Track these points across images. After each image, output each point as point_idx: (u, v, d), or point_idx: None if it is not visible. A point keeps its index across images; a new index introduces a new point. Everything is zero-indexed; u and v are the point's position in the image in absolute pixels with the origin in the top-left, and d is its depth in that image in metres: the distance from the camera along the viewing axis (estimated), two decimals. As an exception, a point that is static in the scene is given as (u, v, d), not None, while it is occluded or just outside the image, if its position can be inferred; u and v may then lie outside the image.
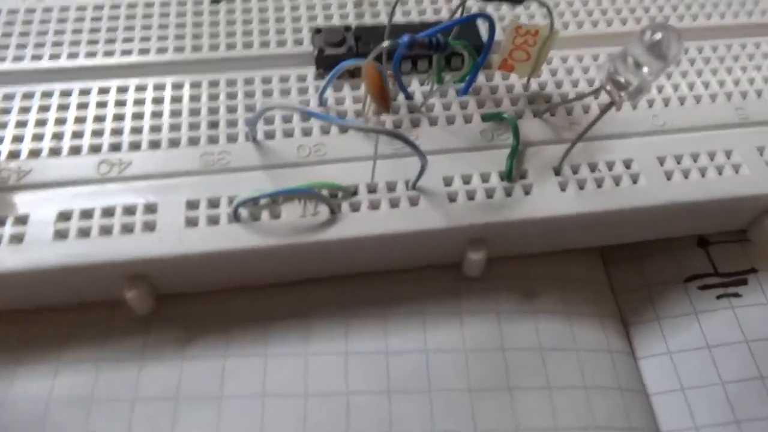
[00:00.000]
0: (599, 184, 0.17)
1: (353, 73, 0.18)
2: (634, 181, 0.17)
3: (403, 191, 0.16)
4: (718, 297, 0.18)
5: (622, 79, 0.13)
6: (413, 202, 0.16)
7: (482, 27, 0.19)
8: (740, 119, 0.19)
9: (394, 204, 0.16)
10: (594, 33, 0.21)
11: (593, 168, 0.17)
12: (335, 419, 0.15)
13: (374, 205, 0.16)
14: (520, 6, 0.17)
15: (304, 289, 0.17)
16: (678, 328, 0.18)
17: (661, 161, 0.18)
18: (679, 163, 0.18)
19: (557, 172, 0.17)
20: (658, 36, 0.12)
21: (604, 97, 0.15)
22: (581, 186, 0.17)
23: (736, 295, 0.18)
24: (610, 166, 0.17)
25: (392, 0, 0.21)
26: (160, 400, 0.15)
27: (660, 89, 0.19)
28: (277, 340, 0.16)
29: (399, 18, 0.20)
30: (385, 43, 0.15)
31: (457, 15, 0.18)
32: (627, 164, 0.17)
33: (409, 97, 0.18)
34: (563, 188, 0.17)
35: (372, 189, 0.16)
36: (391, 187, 0.17)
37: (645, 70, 0.13)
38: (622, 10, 0.21)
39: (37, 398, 0.15)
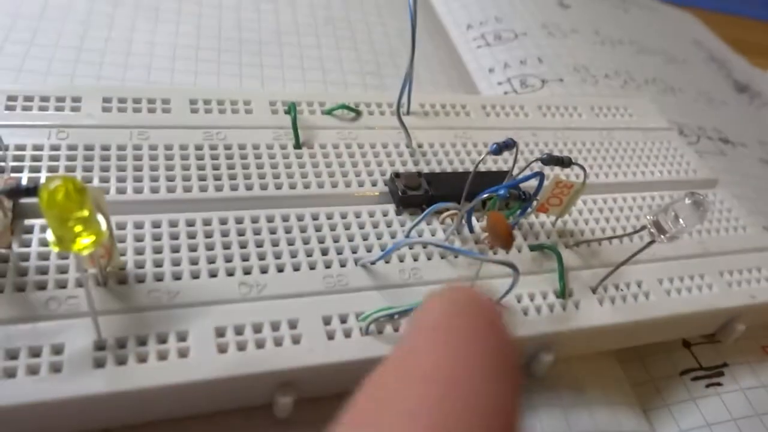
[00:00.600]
0: (624, 300, 0.22)
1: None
2: (647, 298, 0.23)
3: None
4: (707, 386, 0.24)
5: (665, 226, 0.19)
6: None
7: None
8: (703, 251, 0.25)
9: (484, 317, 0.20)
10: (595, 183, 0.27)
11: (617, 287, 0.23)
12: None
13: (469, 319, 0.20)
14: (568, 167, 0.23)
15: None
16: (684, 411, 0.23)
17: (660, 281, 0.23)
18: (671, 283, 0.23)
19: (594, 290, 0.22)
20: (696, 200, 0.18)
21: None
22: (612, 302, 0.22)
23: (719, 384, 0.24)
24: (628, 285, 0.23)
25: (431, 152, 0.26)
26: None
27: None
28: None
29: (446, 166, 0.25)
30: (485, 195, 0.20)
31: (520, 171, 0.23)
32: (639, 284, 0.23)
33: (472, 231, 0.23)
34: (601, 303, 0.22)
35: (465, 305, 0.20)
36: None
37: (681, 221, 0.19)
38: (611, 166, 0.28)
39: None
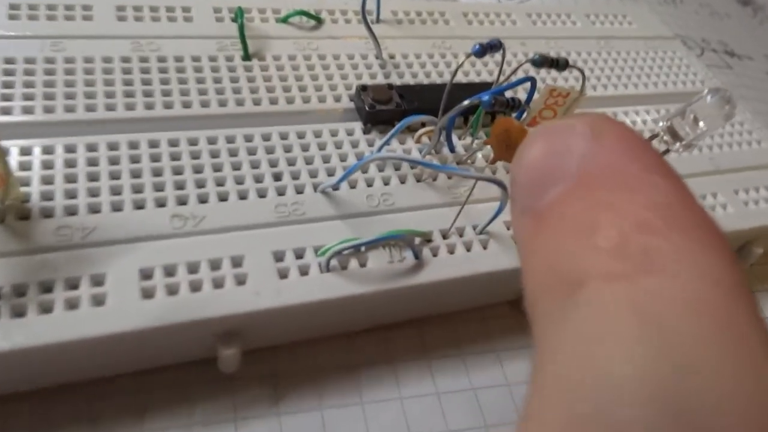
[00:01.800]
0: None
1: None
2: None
3: (473, 235, 0.17)
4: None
5: (681, 132, 0.16)
6: (484, 245, 0.17)
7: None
8: (714, 168, 0.22)
9: (467, 247, 0.17)
10: (593, 96, 0.23)
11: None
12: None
13: (450, 250, 0.17)
14: (564, 71, 0.19)
15: (387, 333, 0.17)
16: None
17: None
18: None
19: (594, 214, 0.19)
20: (722, 96, 0.15)
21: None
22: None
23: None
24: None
25: (405, 63, 0.22)
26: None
27: (649, 143, 0.22)
28: (370, 386, 0.16)
29: (422, 78, 0.22)
30: (467, 102, 0.16)
31: (505, 77, 0.20)
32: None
33: (453, 150, 0.20)
34: (602, 228, 0.19)
35: (444, 235, 0.17)
36: (460, 233, 0.18)
37: (701, 124, 0.15)
38: (610, 77, 0.24)
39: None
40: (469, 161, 0.20)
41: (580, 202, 0.09)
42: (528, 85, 0.19)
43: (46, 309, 0.14)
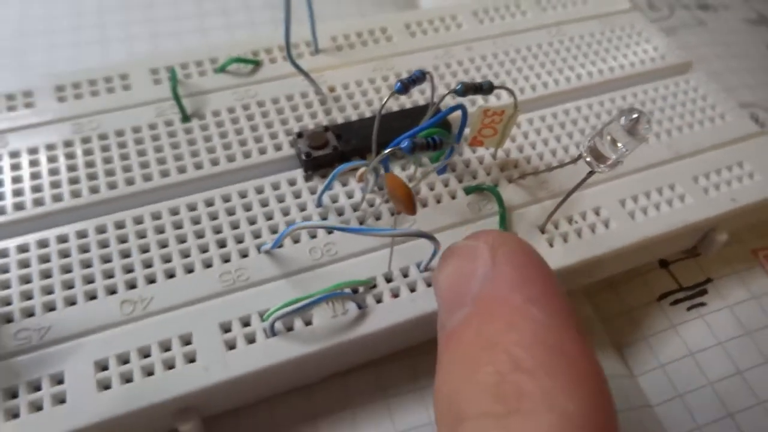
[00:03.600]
0: (579, 234, 0.19)
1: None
2: (606, 226, 0.20)
3: (416, 274, 0.18)
4: (688, 309, 0.21)
5: (603, 153, 0.16)
6: (428, 283, 0.18)
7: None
8: (673, 155, 0.22)
9: (411, 288, 0.18)
10: (544, 94, 0.23)
11: (570, 220, 0.20)
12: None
13: (395, 293, 0.17)
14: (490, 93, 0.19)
15: (343, 380, 0.18)
16: (663, 342, 0.20)
17: (623, 203, 0.20)
18: (636, 202, 0.20)
19: (542, 230, 0.19)
20: (634, 118, 0.15)
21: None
22: (565, 239, 0.19)
23: (702, 304, 0.21)
24: (584, 215, 0.20)
25: (346, 94, 0.22)
26: None
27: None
28: (329, 435, 0.17)
29: (364, 109, 0.22)
30: (388, 150, 0.16)
31: (433, 107, 0.20)
32: (596, 211, 0.20)
33: (396, 183, 0.20)
34: (551, 244, 0.19)
35: (389, 278, 0.18)
36: (404, 273, 0.18)
37: (620, 146, 0.15)
38: (563, 70, 0.24)
39: None
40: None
41: (472, 332, 0.11)
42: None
43: (14, 414, 0.15)
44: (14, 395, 0.15)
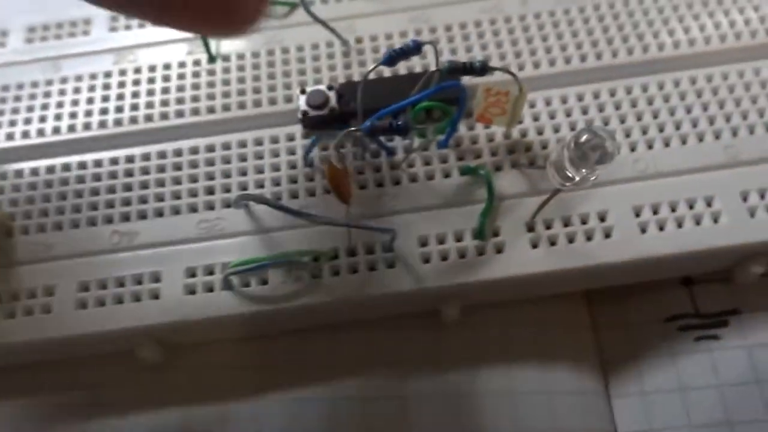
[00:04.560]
0: (571, 239, 0.18)
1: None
2: (607, 236, 0.18)
3: (380, 254, 0.18)
4: (696, 339, 0.19)
5: (567, 173, 0.14)
6: (390, 264, 0.18)
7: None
8: (728, 159, 0.18)
9: (371, 267, 0.18)
10: (578, 68, 0.20)
11: (566, 222, 0.18)
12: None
13: (353, 269, 0.18)
14: (483, 75, 0.17)
15: (298, 337, 0.19)
16: (655, 368, 0.18)
17: (637, 211, 0.18)
18: (655, 213, 0.18)
19: (530, 228, 0.18)
20: (582, 139, 0.13)
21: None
22: (553, 242, 0.18)
23: (715, 337, 0.18)
24: (584, 219, 0.18)
25: (371, 48, 0.21)
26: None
27: (644, 130, 0.19)
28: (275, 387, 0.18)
29: (384, 67, 0.21)
30: (347, 131, 0.16)
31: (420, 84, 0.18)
32: (601, 216, 0.18)
33: (390, 153, 0.19)
34: (535, 245, 0.18)
35: (351, 252, 0.18)
36: (369, 250, 0.18)
37: (582, 169, 0.13)
38: (598, 42, 0.21)
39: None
40: (403, 165, 0.19)
41: None
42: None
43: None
44: (16, 298, 0.18)
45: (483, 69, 0.16)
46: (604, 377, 0.19)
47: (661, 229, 0.18)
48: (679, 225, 0.18)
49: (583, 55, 0.20)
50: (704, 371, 0.18)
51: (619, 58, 0.20)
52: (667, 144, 0.19)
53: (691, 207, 0.18)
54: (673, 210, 0.18)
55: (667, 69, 0.20)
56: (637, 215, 0.18)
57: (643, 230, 0.18)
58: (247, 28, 0.14)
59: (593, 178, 0.14)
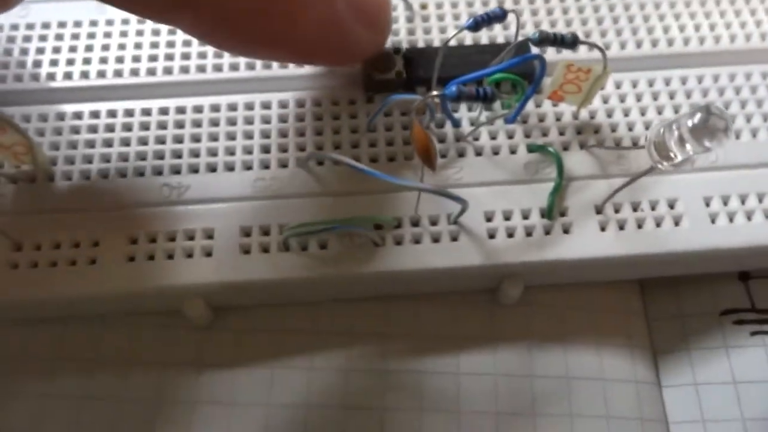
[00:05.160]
0: (640, 224, 0.17)
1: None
2: (676, 223, 0.17)
3: (444, 226, 0.17)
4: (752, 333, 0.18)
5: (670, 153, 0.13)
6: (453, 237, 0.17)
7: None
8: (789, 158, 0.18)
9: (435, 239, 0.17)
10: (652, 54, 0.20)
11: (636, 207, 0.17)
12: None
13: (416, 239, 0.17)
14: (573, 48, 0.17)
15: (349, 308, 0.18)
16: (707, 360, 0.18)
17: (707, 202, 0.18)
18: (725, 204, 0.17)
19: (599, 210, 0.17)
20: (700, 121, 0.12)
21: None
22: (621, 226, 0.17)
23: (771, 333, 0.18)
24: (654, 205, 0.17)
25: (437, 15, 0.21)
26: (215, 404, 0.17)
27: (715, 120, 0.19)
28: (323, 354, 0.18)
29: (450, 34, 0.20)
30: (429, 96, 0.15)
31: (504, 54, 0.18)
32: (671, 204, 0.17)
33: (456, 125, 0.19)
34: (603, 228, 0.17)
35: (415, 222, 0.17)
36: (433, 221, 0.17)
37: (688, 147, 0.13)
38: (686, 27, 0.20)
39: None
40: (470, 138, 0.18)
41: None
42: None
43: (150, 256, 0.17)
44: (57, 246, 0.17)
45: (574, 42, 0.16)
46: (655, 367, 0.19)
47: (731, 220, 0.17)
48: (749, 218, 0.17)
49: (671, 39, 0.20)
50: (759, 366, 0.18)
51: (706, 45, 0.20)
52: (737, 136, 0.19)
53: (760, 201, 0.18)
54: (743, 202, 0.18)
55: (733, 62, 0.20)
56: (707, 205, 0.17)
57: (713, 221, 0.17)
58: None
59: (694, 160, 0.13)
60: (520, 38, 0.17)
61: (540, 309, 0.18)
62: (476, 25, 0.16)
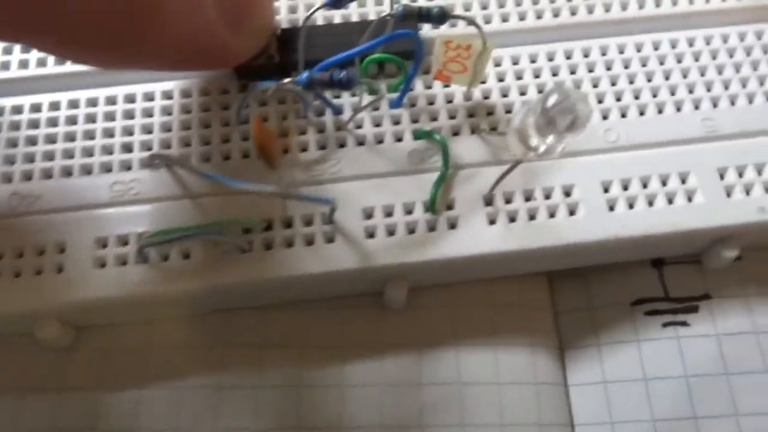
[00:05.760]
0: (532, 216, 0.16)
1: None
2: (572, 213, 0.16)
3: (319, 226, 0.16)
4: (664, 325, 0.17)
5: (530, 142, 0.12)
6: (329, 239, 0.16)
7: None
8: (707, 132, 0.17)
9: (309, 241, 0.16)
10: (552, 24, 0.18)
11: (528, 196, 0.16)
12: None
13: (288, 242, 0.16)
14: (443, 23, 0.15)
15: (223, 317, 0.17)
16: (617, 355, 0.17)
17: (606, 187, 0.16)
18: (625, 189, 0.16)
19: (488, 201, 0.16)
20: (550, 102, 0.11)
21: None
22: (512, 218, 0.16)
23: (684, 323, 0.17)
24: (548, 193, 0.16)
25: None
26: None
27: (619, 96, 0.17)
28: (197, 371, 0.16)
29: (353, 11, 0.18)
30: (282, 84, 0.14)
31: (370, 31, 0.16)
32: (567, 191, 0.16)
33: (337, 112, 0.17)
34: (492, 221, 0.16)
35: (288, 224, 0.16)
36: (307, 221, 0.16)
37: (550, 137, 0.11)
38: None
39: None
40: (350, 126, 0.17)
41: None
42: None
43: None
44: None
45: (442, 16, 0.14)
46: (562, 365, 0.17)
47: (631, 207, 0.16)
48: (650, 203, 0.16)
49: (556, 9, 0.18)
50: (671, 360, 0.17)
51: (595, 15, 0.18)
52: (642, 112, 0.17)
53: (664, 183, 0.16)
54: (645, 186, 0.16)
55: (646, 30, 0.18)
56: (606, 191, 0.16)
57: (611, 208, 0.16)
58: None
59: (561, 148, 0.12)
60: (398, 6, 0.16)
61: (432, 310, 0.17)
62: (337, 0, 0.15)
